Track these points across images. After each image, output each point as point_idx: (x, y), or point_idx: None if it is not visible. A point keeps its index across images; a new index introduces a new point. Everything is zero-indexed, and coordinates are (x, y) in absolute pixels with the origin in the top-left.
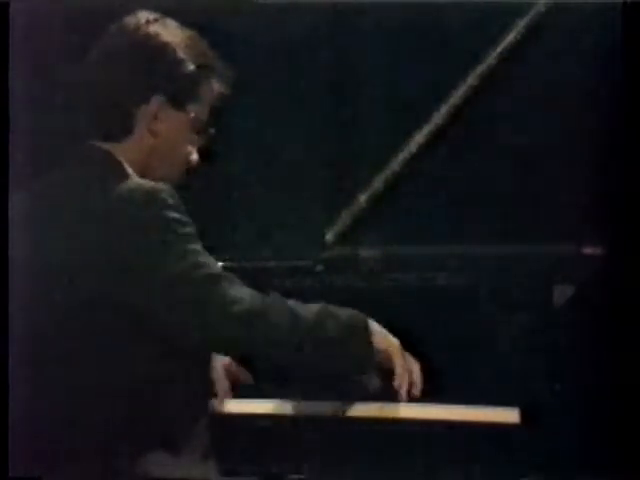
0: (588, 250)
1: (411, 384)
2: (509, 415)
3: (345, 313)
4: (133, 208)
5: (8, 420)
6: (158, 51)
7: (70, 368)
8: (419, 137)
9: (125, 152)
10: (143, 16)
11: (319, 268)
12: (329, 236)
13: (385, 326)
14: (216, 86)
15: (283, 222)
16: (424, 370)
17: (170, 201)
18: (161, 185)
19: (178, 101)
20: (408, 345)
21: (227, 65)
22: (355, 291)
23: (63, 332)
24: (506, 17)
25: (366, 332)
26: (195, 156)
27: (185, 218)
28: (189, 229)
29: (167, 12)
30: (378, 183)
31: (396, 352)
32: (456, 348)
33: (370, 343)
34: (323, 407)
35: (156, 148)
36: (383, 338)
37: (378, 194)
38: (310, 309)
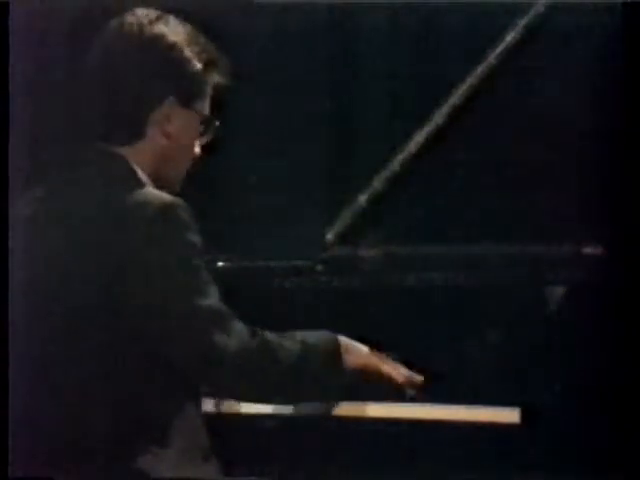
0: (588, 250)
1: (410, 381)
2: (509, 415)
3: (317, 342)
4: (146, 221)
5: (8, 420)
6: (167, 53)
7: (70, 369)
8: (419, 137)
9: (138, 156)
10: (144, 15)
11: (319, 268)
12: (329, 236)
13: (385, 326)
14: (217, 79)
15: (283, 222)
16: (423, 370)
17: (185, 219)
18: (178, 200)
19: (187, 100)
20: (408, 345)
21: (225, 56)
22: (355, 291)
23: (64, 333)
24: (506, 17)
25: (337, 359)
26: (198, 149)
27: (195, 237)
28: (197, 251)
29: (167, 11)
30: (378, 183)
31: (376, 363)
32: (456, 348)
33: (341, 369)
34: (322, 407)
35: (168, 149)
36: (357, 357)
37: (378, 194)
38: (288, 349)
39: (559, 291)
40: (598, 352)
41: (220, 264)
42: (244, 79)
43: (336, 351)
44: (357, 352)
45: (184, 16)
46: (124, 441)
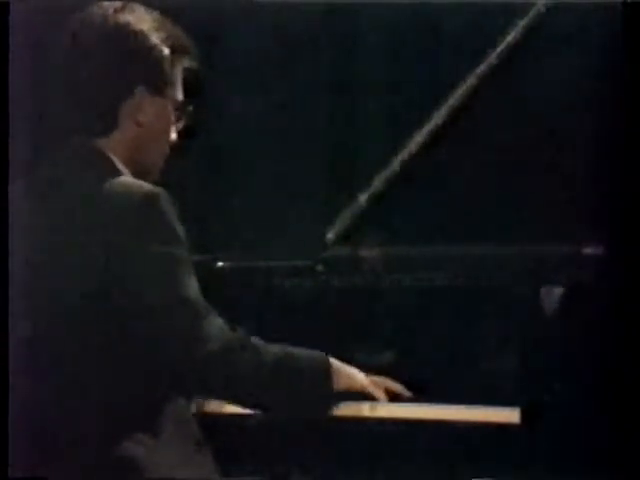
0: (588, 250)
1: (397, 394)
2: (509, 415)
3: (307, 356)
4: (128, 210)
5: (8, 420)
6: (134, 42)
7: (70, 368)
8: (419, 137)
9: (114, 147)
10: (108, 5)
11: (319, 268)
12: (329, 236)
13: (385, 326)
14: (186, 63)
15: (283, 222)
16: (424, 370)
17: (166, 208)
18: (159, 189)
19: (158, 89)
20: (408, 344)
21: (192, 40)
22: (355, 291)
23: (63, 332)
24: (506, 17)
25: (327, 378)
26: (174, 135)
27: (177, 227)
28: (178, 240)
29: (167, 12)
30: (378, 183)
31: (363, 387)
32: (456, 348)
33: (331, 388)
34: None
35: (143, 138)
36: (346, 379)
37: (378, 194)
38: (272, 351)
39: (559, 291)
40: (598, 352)
41: (220, 264)
42: (244, 79)
43: (326, 372)
44: (350, 376)
45: (184, 16)
46: (124, 441)
